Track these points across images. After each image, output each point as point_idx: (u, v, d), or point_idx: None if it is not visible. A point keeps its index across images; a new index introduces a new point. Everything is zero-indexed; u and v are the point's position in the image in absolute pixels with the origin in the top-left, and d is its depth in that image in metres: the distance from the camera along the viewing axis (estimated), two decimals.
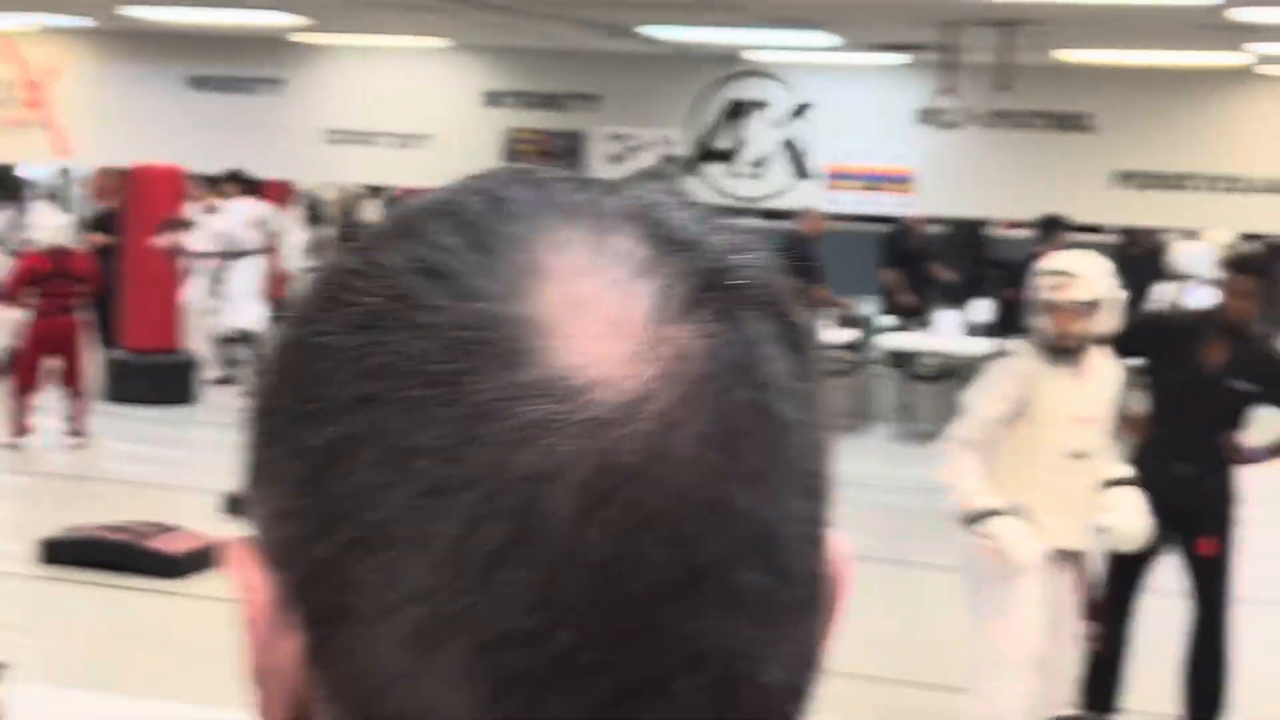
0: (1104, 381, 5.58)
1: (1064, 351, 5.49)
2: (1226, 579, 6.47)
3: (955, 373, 13.70)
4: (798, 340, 0.59)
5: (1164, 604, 6.51)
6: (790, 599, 0.56)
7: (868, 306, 13.39)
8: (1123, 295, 5.57)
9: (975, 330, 13.74)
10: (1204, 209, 12.88)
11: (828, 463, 0.60)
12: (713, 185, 13.85)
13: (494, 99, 14.13)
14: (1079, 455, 5.51)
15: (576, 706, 0.53)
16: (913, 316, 13.74)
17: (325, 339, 0.56)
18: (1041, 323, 5.54)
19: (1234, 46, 11.14)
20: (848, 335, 13.57)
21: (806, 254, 11.93)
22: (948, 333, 13.04)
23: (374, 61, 14.56)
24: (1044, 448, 5.46)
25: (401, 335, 0.55)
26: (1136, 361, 6.58)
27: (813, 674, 0.59)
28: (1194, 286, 14.73)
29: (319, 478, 0.55)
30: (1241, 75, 12.33)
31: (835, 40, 12.06)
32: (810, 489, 0.58)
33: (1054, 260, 5.62)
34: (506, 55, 14.10)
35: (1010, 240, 18.54)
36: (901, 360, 13.56)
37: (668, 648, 0.53)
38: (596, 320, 0.54)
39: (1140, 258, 16.91)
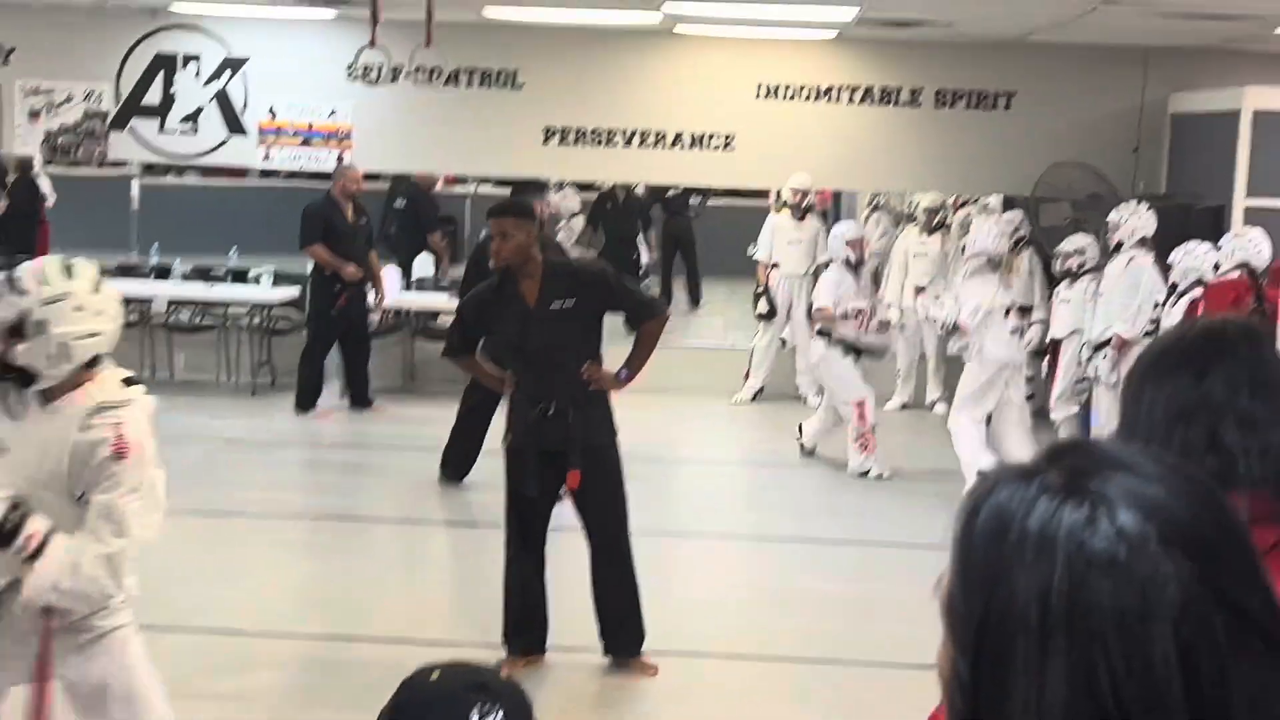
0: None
1: None
2: (616, 509, 6.61)
3: (399, 328, 13.79)
4: None
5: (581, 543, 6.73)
6: None
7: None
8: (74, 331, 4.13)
9: (419, 285, 13.94)
10: (631, 163, 13.39)
11: None
12: (143, 141, 13.39)
13: None
14: None
15: None
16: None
17: None
18: None
19: (652, 7, 11.61)
20: (287, 293, 13.41)
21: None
22: (389, 288, 13.08)
23: None
24: None
25: None
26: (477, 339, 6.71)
27: None
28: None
29: None
30: (661, 34, 12.86)
31: None
32: None
33: None
34: None
35: (453, 195, 18.86)
36: None
37: None
38: None
39: (617, 210, 17.69)
